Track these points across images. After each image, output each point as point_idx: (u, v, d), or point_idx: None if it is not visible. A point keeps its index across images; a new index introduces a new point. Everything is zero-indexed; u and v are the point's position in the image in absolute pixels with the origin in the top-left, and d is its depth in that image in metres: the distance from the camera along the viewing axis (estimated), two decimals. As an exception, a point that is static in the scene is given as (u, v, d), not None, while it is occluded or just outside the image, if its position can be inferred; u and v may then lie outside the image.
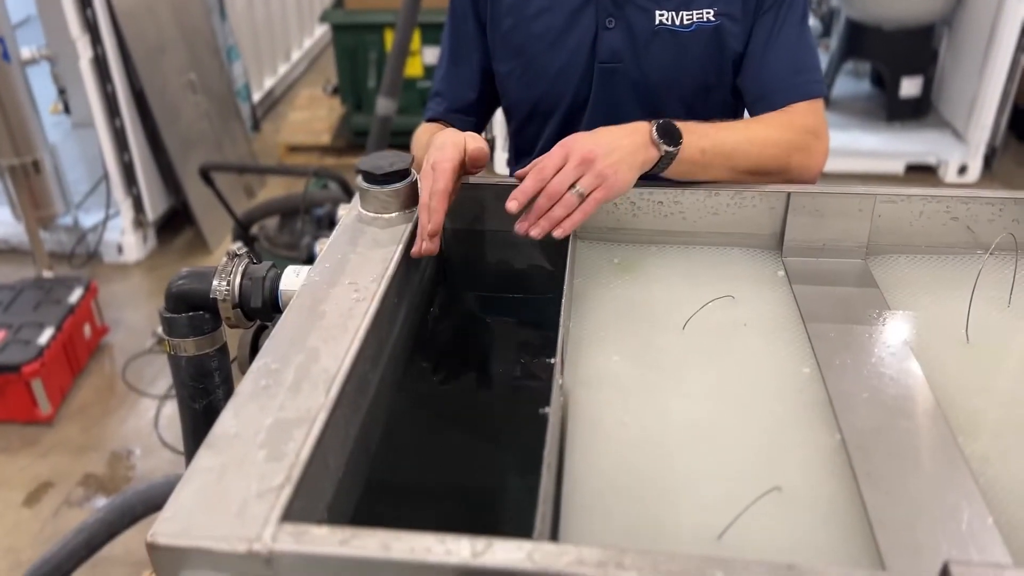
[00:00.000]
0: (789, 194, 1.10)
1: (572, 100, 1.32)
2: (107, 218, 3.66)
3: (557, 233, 1.00)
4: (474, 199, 1.17)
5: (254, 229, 3.01)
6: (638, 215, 1.15)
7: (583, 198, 0.99)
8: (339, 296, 0.89)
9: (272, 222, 3.06)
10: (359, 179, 1.03)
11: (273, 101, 5.38)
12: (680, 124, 1.08)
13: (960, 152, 4.13)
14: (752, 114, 1.29)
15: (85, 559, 1.48)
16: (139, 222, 3.70)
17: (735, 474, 0.81)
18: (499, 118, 4.18)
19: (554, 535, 0.74)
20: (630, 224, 1.16)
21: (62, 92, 3.64)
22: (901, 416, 0.85)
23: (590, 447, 0.83)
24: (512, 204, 1.00)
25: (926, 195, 1.09)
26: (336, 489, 0.76)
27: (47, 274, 3.33)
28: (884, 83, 4.48)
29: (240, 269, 0.95)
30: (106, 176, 3.60)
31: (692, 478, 0.80)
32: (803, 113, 1.22)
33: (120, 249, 3.66)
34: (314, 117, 4.80)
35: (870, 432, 0.83)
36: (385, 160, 1.03)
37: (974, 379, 0.91)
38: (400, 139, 4.35)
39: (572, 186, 0.99)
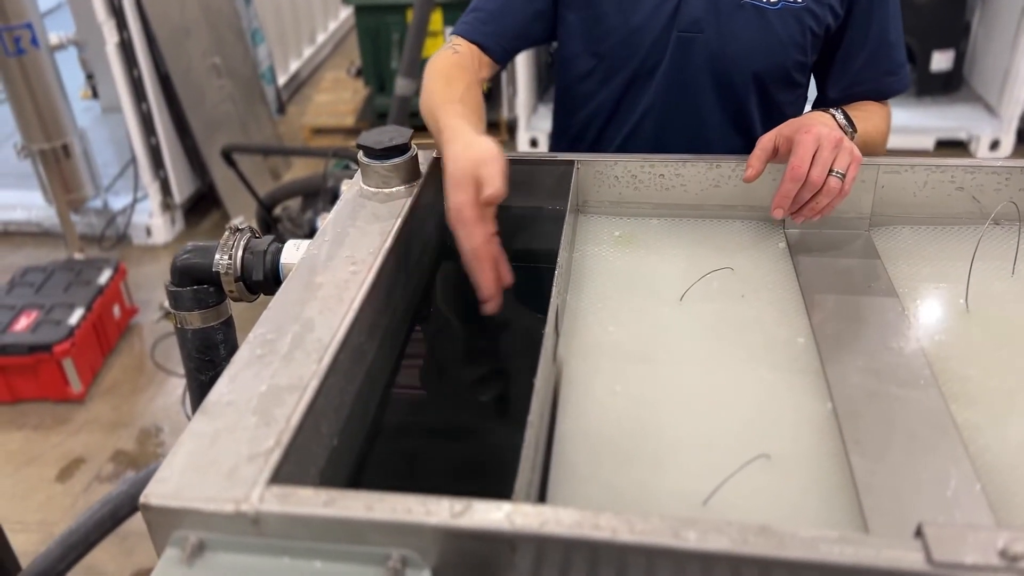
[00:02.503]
0: (791, 165, 1.09)
1: (640, 64, 1.26)
2: (135, 201, 3.72)
3: (818, 218, 1.05)
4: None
5: (277, 210, 3.04)
6: (640, 188, 1.15)
7: (843, 179, 1.00)
8: (336, 269, 0.90)
9: (295, 203, 3.10)
10: (360, 154, 1.04)
11: (299, 84, 5.42)
12: (846, 111, 1.15)
13: (992, 127, 4.05)
14: (828, 99, 1.30)
15: (111, 530, 1.53)
16: (167, 205, 3.75)
17: (724, 442, 0.81)
18: (523, 94, 4.19)
19: (542, 500, 0.76)
20: (632, 197, 1.16)
21: (90, 77, 3.70)
22: (894, 384, 0.85)
23: (581, 415, 0.84)
24: (778, 212, 1.04)
25: (930, 165, 1.08)
26: (330, 455, 0.78)
27: (78, 256, 3.40)
28: (914, 57, 4.40)
29: (242, 243, 0.97)
30: (134, 160, 3.66)
31: (681, 445, 0.81)
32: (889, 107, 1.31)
33: (148, 231, 3.73)
34: (338, 99, 4.83)
35: (862, 400, 0.83)
36: (385, 135, 1.04)
37: (971, 348, 0.91)
38: (416, 120, 4.38)
39: (830, 172, 1.00)
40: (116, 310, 3.11)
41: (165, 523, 0.65)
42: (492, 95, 4.61)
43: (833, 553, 0.58)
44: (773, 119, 1.28)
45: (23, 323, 2.82)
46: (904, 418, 0.81)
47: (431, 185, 1.13)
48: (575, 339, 0.95)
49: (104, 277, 3.08)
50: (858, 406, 0.83)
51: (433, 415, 0.95)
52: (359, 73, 4.71)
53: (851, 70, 1.27)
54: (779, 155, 1.05)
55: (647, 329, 0.96)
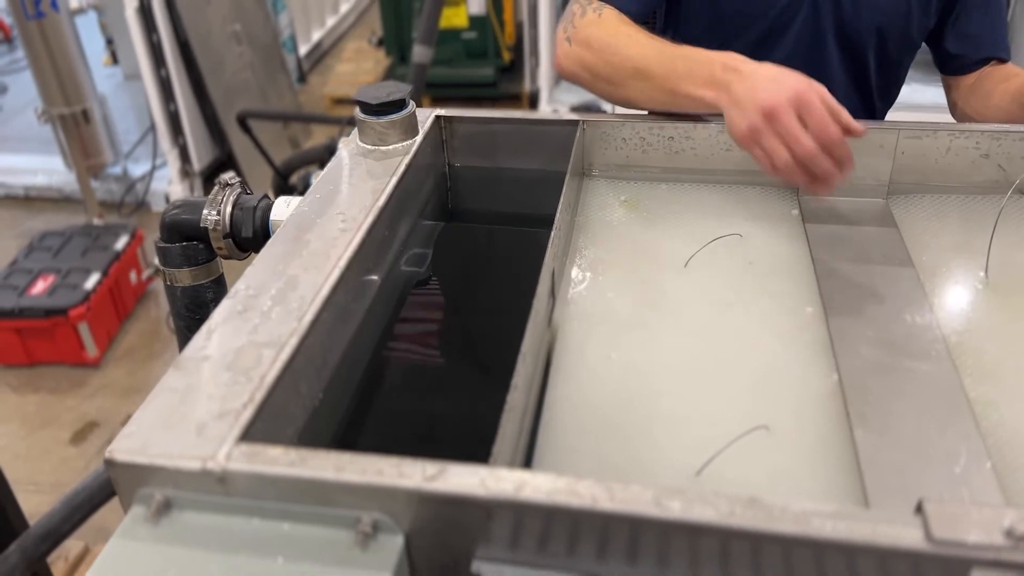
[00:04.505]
0: (806, 129, 1.04)
1: (771, 24, 1.18)
2: (154, 168, 3.72)
3: None
4: (484, 134, 1.14)
5: (293, 179, 3.02)
6: (648, 151, 1.11)
7: None
8: (325, 226, 0.87)
9: (312, 172, 3.07)
10: (356, 110, 1.01)
11: (321, 54, 5.38)
12: None
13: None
14: (951, 56, 1.27)
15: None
16: (185, 172, 3.75)
17: (723, 413, 0.77)
18: (545, 65, 4.12)
19: (528, 467, 0.73)
20: (639, 161, 1.12)
21: (110, 42, 3.69)
22: (905, 357, 0.81)
23: (573, 381, 0.81)
24: None
25: (953, 130, 1.03)
26: (310, 416, 0.75)
27: (97, 222, 3.41)
28: (949, 32, 4.27)
29: (231, 199, 0.94)
30: (153, 126, 3.65)
31: (677, 415, 0.77)
32: None
33: (167, 198, 3.72)
34: (360, 69, 4.80)
35: (870, 373, 0.79)
36: (383, 90, 1.01)
37: (988, 321, 0.86)
38: (438, 91, 4.34)
39: None
40: (133, 276, 3.11)
41: (131, 480, 0.62)
42: (514, 66, 4.55)
43: (826, 528, 0.54)
44: (888, 79, 1.27)
45: (40, 287, 2.84)
46: (913, 392, 0.77)
47: (430, 143, 1.09)
48: (572, 305, 0.91)
49: (121, 243, 3.08)
50: (865, 378, 0.79)
51: (424, 379, 0.93)
52: (380, 43, 4.67)
53: (968, 26, 1.24)
54: None
55: (648, 296, 0.92)
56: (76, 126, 3.46)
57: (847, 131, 0.90)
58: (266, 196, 0.96)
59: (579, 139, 1.06)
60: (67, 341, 2.81)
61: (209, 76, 3.65)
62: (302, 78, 4.77)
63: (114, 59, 3.83)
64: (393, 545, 0.60)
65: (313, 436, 0.76)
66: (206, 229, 0.93)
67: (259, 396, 0.66)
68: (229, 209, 0.93)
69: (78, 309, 2.75)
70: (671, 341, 0.86)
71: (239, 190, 0.95)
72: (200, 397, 0.66)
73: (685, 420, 0.77)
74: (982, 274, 0.92)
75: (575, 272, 0.96)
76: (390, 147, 1.02)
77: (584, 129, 1.10)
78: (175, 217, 0.96)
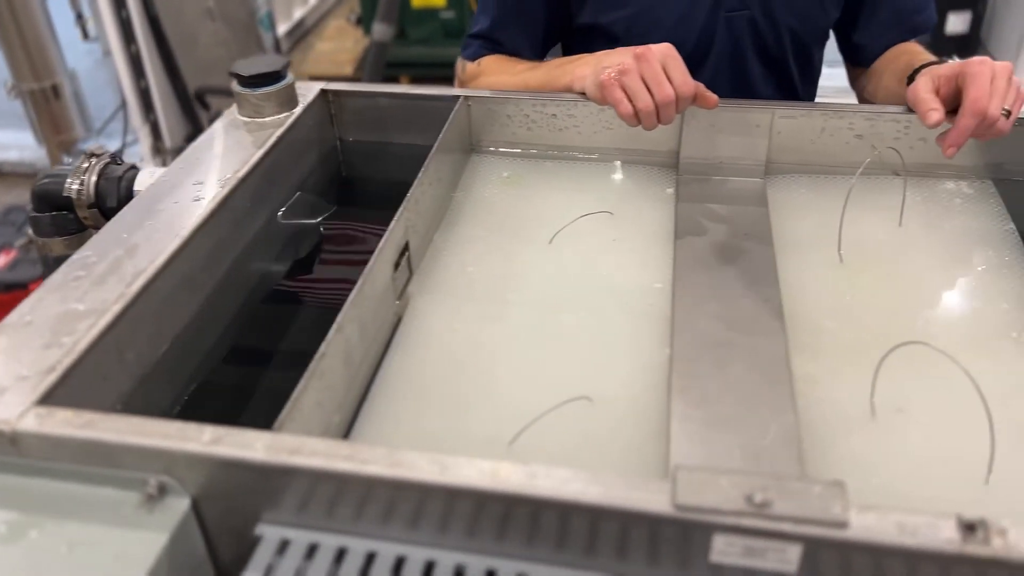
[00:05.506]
0: (684, 108, 1.05)
1: (691, 54, 1.16)
2: (125, 144, 3.72)
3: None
4: (375, 108, 1.14)
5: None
6: (533, 128, 1.11)
7: (1007, 117, 0.91)
8: (180, 196, 0.88)
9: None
10: (233, 82, 1.02)
11: (304, 32, 5.36)
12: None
13: (1004, 92, 3.91)
14: (857, 47, 1.26)
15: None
16: (157, 149, 3.74)
17: (553, 385, 0.78)
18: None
19: (346, 436, 0.74)
20: (525, 138, 1.12)
21: (79, 17, 3.68)
22: (740, 333, 0.81)
23: (410, 354, 0.82)
24: (951, 152, 0.90)
25: (827, 110, 1.03)
26: (137, 383, 0.76)
27: (65, 197, 3.41)
28: (928, 17, 4.24)
29: (98, 168, 0.95)
30: (124, 103, 3.65)
31: (506, 387, 0.78)
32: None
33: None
34: (339, 48, 4.78)
35: (702, 348, 0.80)
36: (260, 62, 1.01)
37: (831, 300, 0.87)
38: (416, 70, 4.33)
39: None
40: (96, 251, 3.12)
41: (-69, 440, 0.64)
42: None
43: (576, 492, 0.55)
44: (807, 73, 1.27)
45: (1, 261, 2.85)
46: (739, 367, 0.77)
47: (314, 117, 1.10)
48: (431, 277, 0.92)
49: (85, 218, 3.09)
50: (696, 352, 0.79)
51: (273, 350, 0.93)
52: (359, 21, 4.65)
53: (878, 15, 1.22)
54: (941, 95, 0.94)
55: (508, 269, 0.93)
56: (46, 101, 3.47)
57: (703, 100, 0.95)
58: (134, 166, 0.96)
59: (456, 114, 1.06)
60: (27, 315, 2.82)
61: (181, 53, 3.64)
62: (280, 56, 4.75)
63: (84, 34, 3.82)
64: (178, 507, 0.61)
65: (144, 403, 0.77)
66: (70, 198, 0.93)
67: (67, 361, 0.67)
68: (94, 179, 0.94)
69: (38, 283, 2.76)
70: (519, 315, 0.87)
71: (108, 160, 0.96)
72: (10, 361, 0.68)
73: (513, 392, 0.78)
74: (838, 253, 0.92)
75: (440, 245, 0.97)
76: (267, 119, 1.02)
77: (469, 105, 1.11)
78: (45, 187, 0.96)
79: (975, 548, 0.51)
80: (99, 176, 0.94)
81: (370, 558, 0.60)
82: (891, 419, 0.73)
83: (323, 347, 0.69)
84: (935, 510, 0.53)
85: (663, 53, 0.93)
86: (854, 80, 1.32)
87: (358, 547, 0.60)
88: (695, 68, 1.19)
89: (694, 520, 0.54)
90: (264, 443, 0.60)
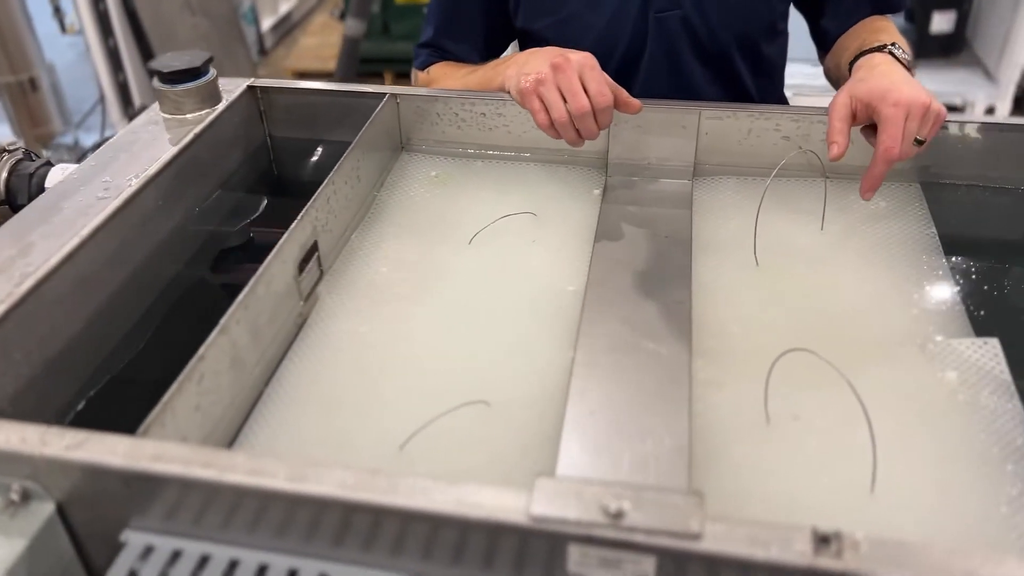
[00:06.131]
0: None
1: (623, 56, 1.18)
2: (104, 139, 3.70)
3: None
4: (304, 106, 1.13)
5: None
6: (463, 127, 1.10)
7: (922, 144, 0.90)
8: (86, 193, 0.87)
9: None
10: (153, 79, 1.00)
11: (290, 26, 5.34)
12: (895, 41, 1.03)
13: (988, 92, 3.90)
14: (824, 32, 1.22)
15: None
16: (135, 143, 3.73)
17: (453, 389, 0.77)
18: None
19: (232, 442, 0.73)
20: (455, 137, 1.11)
21: (57, 10, 3.67)
22: (646, 337, 0.80)
23: (312, 355, 0.81)
24: (869, 196, 0.91)
25: (753, 111, 1.02)
26: (27, 384, 0.75)
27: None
28: (913, 17, 4.23)
29: (8, 165, 0.93)
30: (102, 96, 3.63)
31: (404, 391, 0.77)
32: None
33: (115, 169, 3.71)
34: (324, 43, 4.76)
35: (605, 351, 0.79)
36: (180, 58, 1.00)
37: (742, 305, 0.86)
38: (400, 66, 4.31)
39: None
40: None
41: None
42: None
43: (432, 502, 0.54)
44: (759, 69, 1.24)
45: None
46: (639, 371, 0.76)
47: (241, 114, 1.08)
48: (343, 277, 0.91)
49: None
50: (599, 356, 0.78)
51: (177, 354, 0.92)
52: (343, 16, 4.63)
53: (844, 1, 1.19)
54: (856, 120, 0.93)
55: (422, 271, 0.92)
56: (23, 94, 3.45)
57: (626, 106, 0.94)
58: (48, 163, 0.95)
59: (380, 112, 1.05)
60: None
61: (160, 47, 3.63)
62: (262, 51, 4.73)
63: (62, 27, 3.81)
64: (41, 513, 0.60)
65: (36, 405, 0.75)
66: (-20, 195, 0.92)
67: (-59, 361, 0.66)
68: (4, 175, 0.93)
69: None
70: (427, 317, 0.86)
71: (20, 156, 0.95)
72: None
73: (411, 396, 0.77)
74: (754, 256, 0.91)
75: (357, 245, 0.96)
76: (188, 116, 1.01)
77: (398, 103, 1.10)
78: (-43, 183, 0.95)
79: (827, 561, 0.50)
80: (10, 173, 0.93)
81: (233, 566, 0.59)
82: (786, 426, 0.72)
83: (202, 349, 0.68)
84: (820, 519, 0.52)
85: (580, 63, 0.91)
86: (823, 60, 1.28)
87: (222, 555, 0.59)
88: (629, 71, 1.19)
89: (548, 531, 0.53)
90: (124, 448, 0.58)
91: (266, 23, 4.91)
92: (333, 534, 0.58)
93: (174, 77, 0.98)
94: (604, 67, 1.10)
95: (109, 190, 0.87)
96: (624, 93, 0.94)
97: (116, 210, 0.85)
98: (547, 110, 0.91)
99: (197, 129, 0.99)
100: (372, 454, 0.71)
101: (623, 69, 1.18)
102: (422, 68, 1.28)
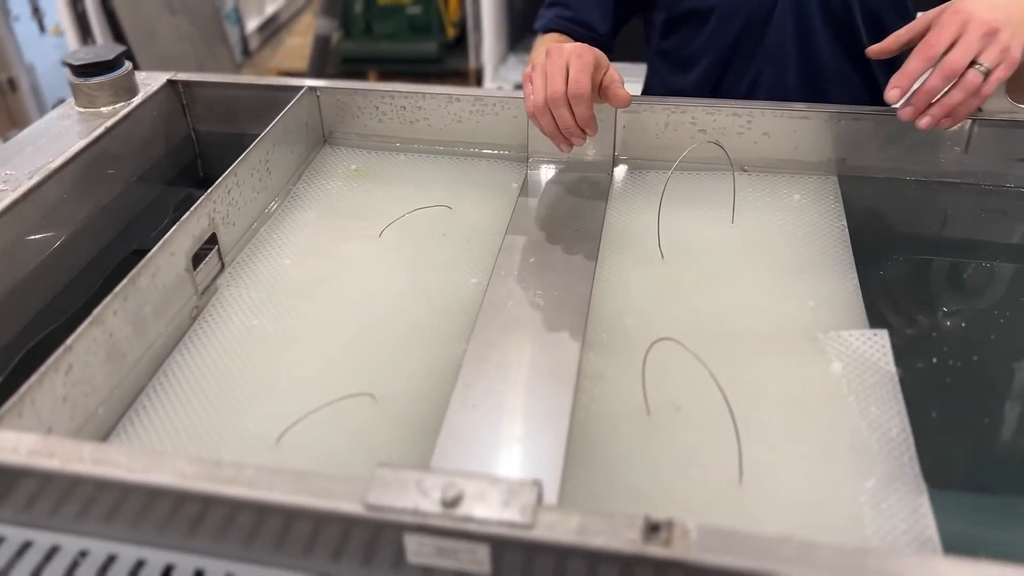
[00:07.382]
0: (530, 102, 1.03)
1: (755, 11, 1.12)
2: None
3: (947, 123, 0.85)
4: (227, 100, 1.13)
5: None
6: (384, 121, 1.10)
7: (986, 76, 0.81)
8: (-14, 186, 0.87)
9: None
10: (66, 71, 1.00)
11: (277, 26, 5.34)
12: None
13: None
14: None
15: None
16: (115, 143, 3.73)
17: (340, 382, 0.77)
18: (489, 40, 4.06)
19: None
20: (377, 130, 1.11)
21: (36, 10, 3.67)
22: (542, 330, 0.80)
23: (199, 351, 0.80)
24: (893, 93, 0.83)
25: (668, 104, 1.01)
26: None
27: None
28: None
29: (-85, 158, 0.93)
30: (81, 96, 3.64)
31: (291, 384, 0.77)
32: None
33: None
34: (308, 43, 4.75)
35: (496, 345, 0.78)
36: (92, 52, 1.00)
37: (640, 298, 0.85)
38: (383, 66, 4.31)
39: (973, 63, 0.81)
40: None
41: None
42: (460, 42, 4.51)
43: (269, 492, 0.53)
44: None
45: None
46: (527, 364, 0.76)
47: (161, 107, 1.08)
48: (247, 270, 0.90)
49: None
50: (489, 349, 0.78)
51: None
52: (326, 16, 4.62)
53: None
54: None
55: (327, 263, 0.91)
56: (2, 95, 3.45)
57: (615, 99, 0.89)
58: (-44, 158, 0.95)
59: (295, 106, 1.04)
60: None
61: (139, 48, 3.62)
62: (247, 52, 4.73)
63: (41, 28, 3.82)
64: None
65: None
66: None
67: None
68: (-89, 168, 0.92)
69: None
70: (324, 311, 0.85)
71: (-71, 149, 0.94)
72: None
73: (296, 389, 0.76)
74: (660, 250, 0.91)
75: (265, 237, 0.95)
76: (102, 109, 1.00)
77: (318, 96, 1.09)
78: None
79: (655, 549, 0.49)
80: (-84, 165, 0.93)
81: (82, 555, 0.59)
82: (667, 417, 0.71)
83: (70, 340, 0.68)
84: (686, 510, 0.52)
85: (570, 52, 0.88)
86: None
87: (71, 545, 0.59)
88: (758, 29, 1.14)
89: (383, 520, 0.52)
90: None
91: (252, 24, 4.91)
92: (186, 525, 0.58)
93: (87, 70, 0.98)
94: (732, 21, 1.12)
95: (8, 183, 0.87)
96: (616, 85, 0.89)
97: (12, 203, 0.84)
98: (530, 95, 0.89)
99: (109, 123, 0.98)
100: (248, 447, 0.71)
101: (751, 26, 1.14)
102: (543, 30, 1.21)
